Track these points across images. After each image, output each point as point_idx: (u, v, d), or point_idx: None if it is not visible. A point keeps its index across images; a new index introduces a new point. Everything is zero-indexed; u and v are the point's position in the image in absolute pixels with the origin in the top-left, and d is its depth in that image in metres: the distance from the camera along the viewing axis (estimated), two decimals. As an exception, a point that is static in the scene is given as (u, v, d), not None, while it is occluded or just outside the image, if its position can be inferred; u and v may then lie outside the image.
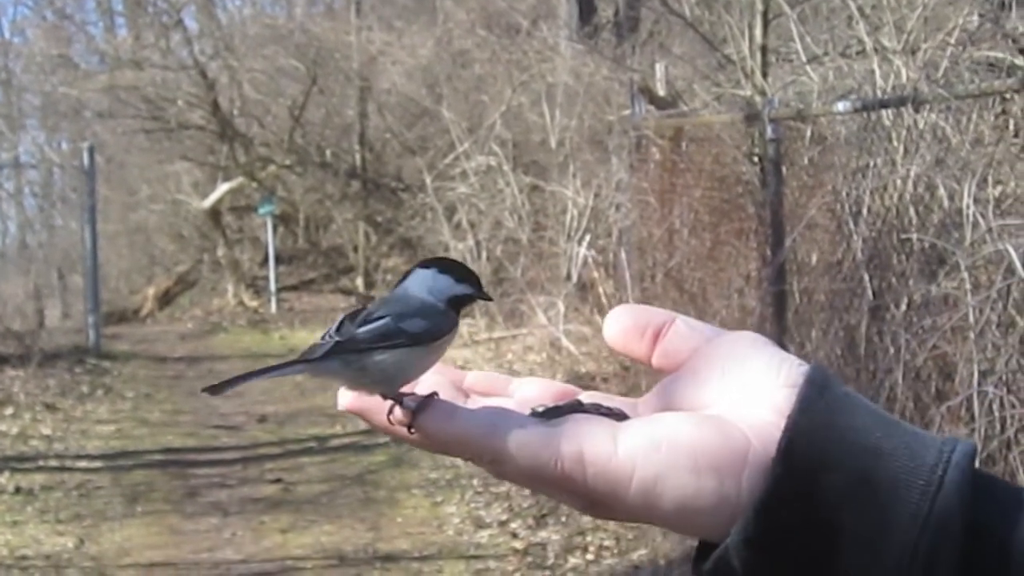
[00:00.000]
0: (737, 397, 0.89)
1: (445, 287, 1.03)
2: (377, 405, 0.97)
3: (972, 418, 5.24)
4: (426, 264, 1.05)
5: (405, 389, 0.97)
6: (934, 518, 0.82)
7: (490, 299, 1.08)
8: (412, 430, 0.92)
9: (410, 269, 1.06)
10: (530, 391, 1.05)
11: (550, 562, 6.86)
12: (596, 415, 0.93)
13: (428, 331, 0.99)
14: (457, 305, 1.04)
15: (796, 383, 0.88)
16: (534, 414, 0.94)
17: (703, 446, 0.86)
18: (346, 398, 0.99)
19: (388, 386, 0.96)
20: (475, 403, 0.98)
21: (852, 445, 0.84)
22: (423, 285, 1.03)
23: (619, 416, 0.93)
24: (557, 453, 0.87)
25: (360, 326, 1.00)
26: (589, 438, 0.87)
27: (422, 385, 1.00)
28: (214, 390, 0.98)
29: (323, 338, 1.00)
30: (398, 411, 0.95)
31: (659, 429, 0.88)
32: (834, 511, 0.83)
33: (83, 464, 9.43)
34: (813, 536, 0.84)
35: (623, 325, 0.99)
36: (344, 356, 0.97)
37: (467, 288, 1.05)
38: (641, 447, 0.86)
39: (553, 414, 0.94)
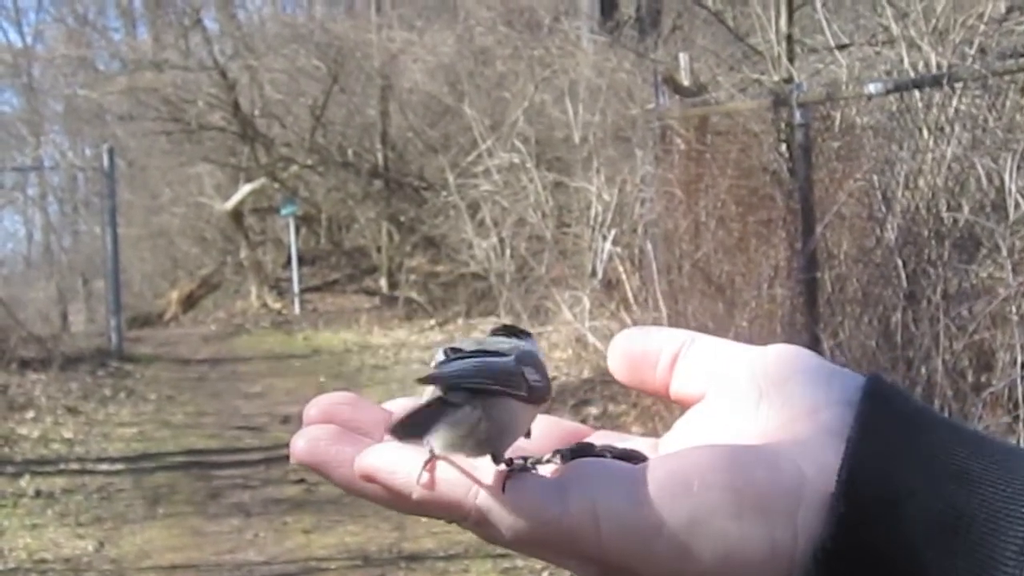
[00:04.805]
0: (781, 422, 0.72)
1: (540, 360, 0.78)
2: (335, 458, 0.75)
3: (1015, 406, 5.08)
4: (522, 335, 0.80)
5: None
6: None
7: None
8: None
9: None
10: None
11: (579, 560, 6.71)
12: (608, 459, 0.75)
13: (542, 389, 0.75)
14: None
15: (853, 399, 0.71)
16: (535, 464, 0.75)
17: (746, 482, 0.69)
18: (301, 447, 0.76)
19: (498, 446, 0.73)
20: None
21: (931, 469, 0.68)
22: (524, 347, 0.78)
23: (636, 459, 0.75)
24: (563, 509, 0.69)
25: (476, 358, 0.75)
26: (602, 486, 0.69)
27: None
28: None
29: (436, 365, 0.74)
30: (449, 471, 0.72)
31: (689, 465, 0.70)
32: (915, 555, 0.66)
33: (104, 467, 9.35)
34: None
35: (631, 353, 0.82)
36: (466, 394, 0.72)
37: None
38: (668, 488, 0.68)
39: (558, 460, 0.76)
